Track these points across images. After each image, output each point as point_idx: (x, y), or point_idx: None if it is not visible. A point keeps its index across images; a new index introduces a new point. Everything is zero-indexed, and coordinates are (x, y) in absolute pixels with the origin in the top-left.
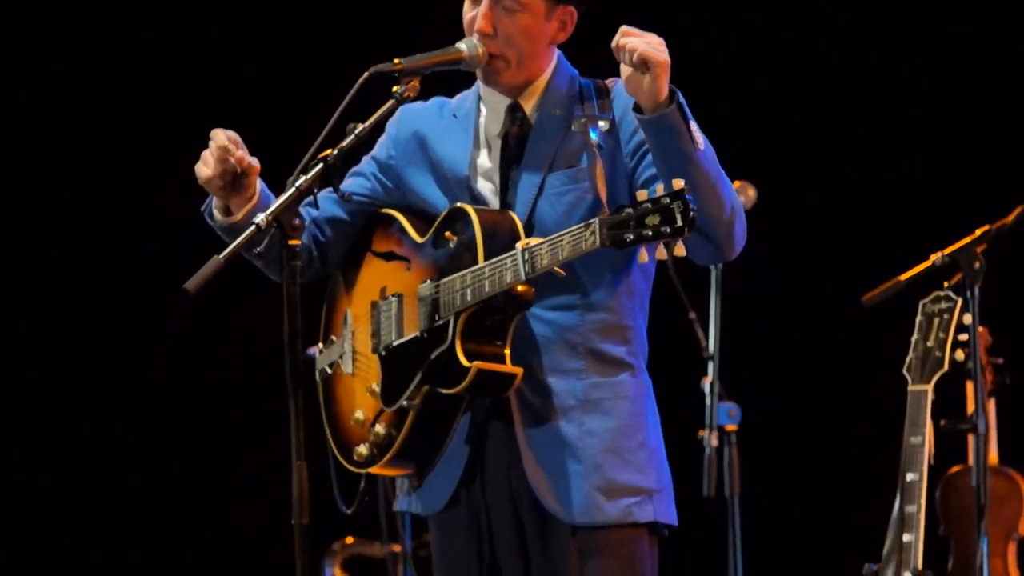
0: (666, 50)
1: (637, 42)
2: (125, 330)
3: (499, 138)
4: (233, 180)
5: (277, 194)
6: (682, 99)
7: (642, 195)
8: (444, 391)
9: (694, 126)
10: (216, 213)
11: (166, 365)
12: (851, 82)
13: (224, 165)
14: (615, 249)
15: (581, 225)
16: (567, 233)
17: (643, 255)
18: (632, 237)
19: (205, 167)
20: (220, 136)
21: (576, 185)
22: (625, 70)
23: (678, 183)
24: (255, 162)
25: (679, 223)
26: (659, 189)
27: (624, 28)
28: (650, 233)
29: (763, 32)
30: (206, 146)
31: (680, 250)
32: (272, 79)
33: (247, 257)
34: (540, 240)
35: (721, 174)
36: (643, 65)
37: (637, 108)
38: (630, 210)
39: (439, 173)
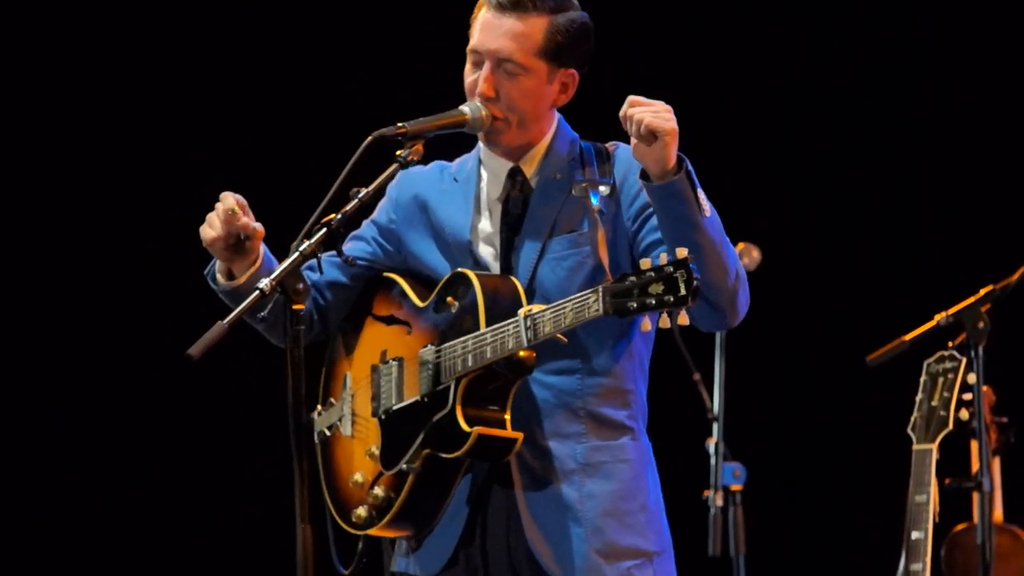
0: (674, 118)
1: (644, 112)
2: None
3: (500, 202)
4: (237, 243)
5: (280, 259)
6: (690, 167)
7: (645, 263)
8: (444, 455)
9: (701, 193)
10: (219, 277)
11: (170, 423)
12: (854, 143)
13: (230, 227)
14: (618, 317)
15: (585, 293)
16: (570, 301)
17: (646, 323)
18: (635, 305)
19: (211, 229)
20: (230, 199)
21: (577, 250)
22: (633, 139)
23: (682, 252)
24: (260, 227)
25: (683, 292)
26: (663, 257)
27: (631, 98)
28: (653, 302)
29: (767, 93)
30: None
31: (684, 319)
32: (276, 142)
33: (249, 322)
34: (543, 307)
35: (726, 241)
36: (651, 135)
37: (644, 175)
38: (633, 278)
39: (440, 237)
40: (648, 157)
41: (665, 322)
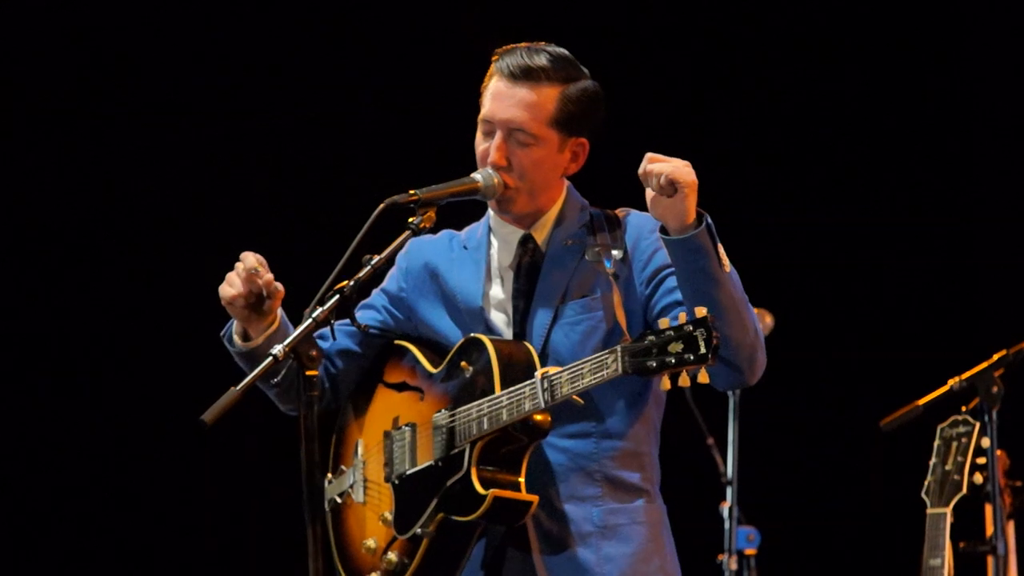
0: (693, 171)
1: (664, 166)
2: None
3: (511, 269)
4: (256, 302)
5: (295, 325)
6: (710, 221)
7: (664, 323)
8: (459, 519)
9: (722, 248)
10: (235, 338)
11: (180, 491)
12: (867, 208)
13: (250, 286)
14: (637, 376)
15: (603, 353)
16: (588, 361)
17: (665, 382)
18: (655, 364)
19: (230, 287)
20: (251, 259)
21: (590, 314)
22: (651, 194)
23: (701, 311)
24: (279, 286)
25: (703, 350)
26: (682, 316)
27: (650, 155)
28: (673, 360)
29: (780, 160)
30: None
31: (704, 377)
32: (288, 208)
33: (262, 388)
34: (559, 368)
35: (746, 299)
36: (671, 187)
37: (664, 230)
38: (652, 337)
39: (452, 304)
40: (668, 211)
41: (685, 380)
